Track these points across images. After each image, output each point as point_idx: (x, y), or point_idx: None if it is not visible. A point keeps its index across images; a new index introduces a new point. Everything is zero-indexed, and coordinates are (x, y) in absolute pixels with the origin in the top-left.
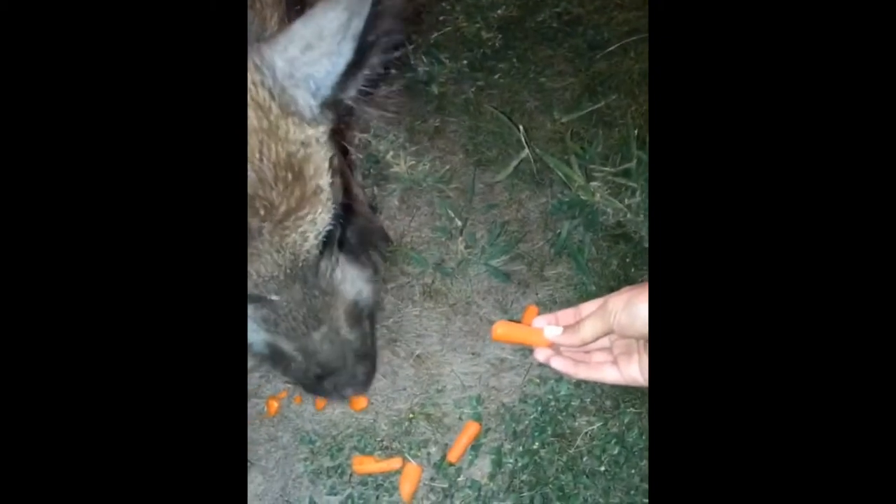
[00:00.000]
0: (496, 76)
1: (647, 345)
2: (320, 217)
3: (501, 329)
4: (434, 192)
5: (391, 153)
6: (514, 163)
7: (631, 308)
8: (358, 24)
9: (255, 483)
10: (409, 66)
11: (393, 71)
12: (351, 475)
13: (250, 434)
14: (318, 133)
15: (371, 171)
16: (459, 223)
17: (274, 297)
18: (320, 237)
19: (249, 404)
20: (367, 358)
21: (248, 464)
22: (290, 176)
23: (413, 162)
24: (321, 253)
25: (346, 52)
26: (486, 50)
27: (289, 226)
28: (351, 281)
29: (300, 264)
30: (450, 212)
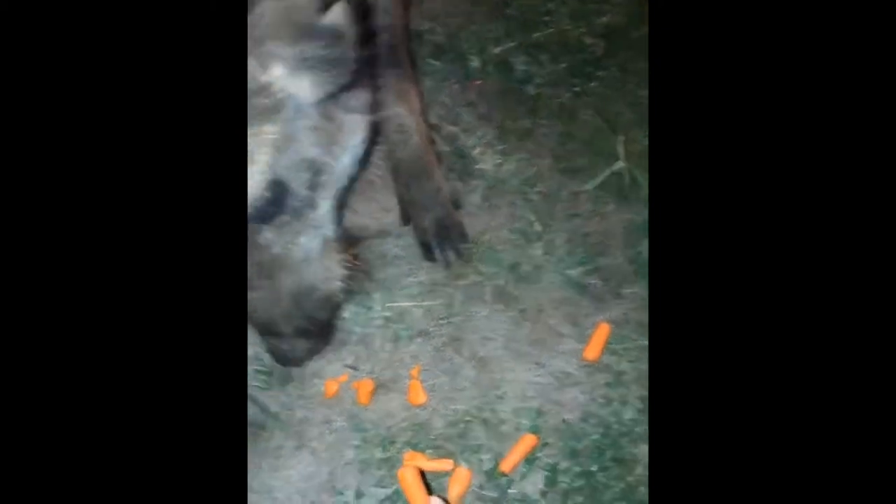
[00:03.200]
0: (593, 84)
1: None
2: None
3: (409, 474)
4: (517, 193)
5: (478, 149)
6: (606, 173)
7: None
8: None
9: (304, 464)
10: (507, 63)
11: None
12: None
13: (304, 413)
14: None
15: (457, 165)
16: (539, 228)
17: None
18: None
19: (309, 384)
20: (311, 337)
21: (300, 445)
22: None
23: (500, 161)
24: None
25: None
26: (586, 56)
27: None
28: (319, 269)
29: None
30: (531, 216)
